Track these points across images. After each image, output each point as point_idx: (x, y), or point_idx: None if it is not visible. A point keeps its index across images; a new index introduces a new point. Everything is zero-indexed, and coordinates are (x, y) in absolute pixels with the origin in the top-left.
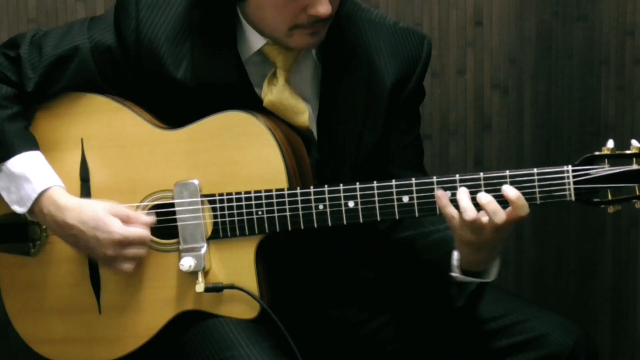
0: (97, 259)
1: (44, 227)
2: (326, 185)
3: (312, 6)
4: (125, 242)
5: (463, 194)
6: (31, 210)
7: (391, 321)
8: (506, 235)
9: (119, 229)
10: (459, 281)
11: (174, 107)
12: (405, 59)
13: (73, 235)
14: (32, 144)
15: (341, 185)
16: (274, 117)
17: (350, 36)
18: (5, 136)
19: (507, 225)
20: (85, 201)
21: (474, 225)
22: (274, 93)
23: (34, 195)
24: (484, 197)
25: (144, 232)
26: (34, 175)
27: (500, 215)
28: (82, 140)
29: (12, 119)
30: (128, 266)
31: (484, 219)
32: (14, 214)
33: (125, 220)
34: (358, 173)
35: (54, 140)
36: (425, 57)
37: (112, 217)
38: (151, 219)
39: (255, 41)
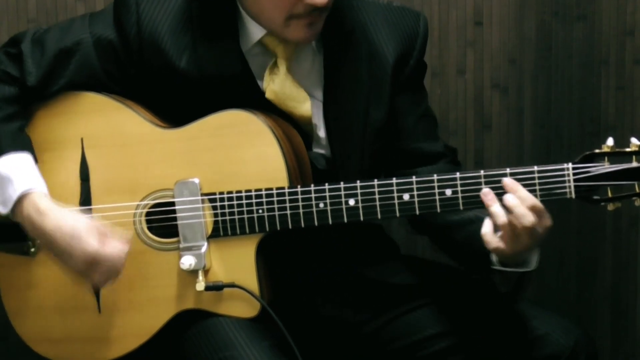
0: (68, 270)
1: None
2: (326, 184)
3: None
4: (96, 261)
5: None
6: (13, 211)
7: (391, 321)
8: (540, 235)
9: (94, 246)
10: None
11: (177, 100)
12: (404, 36)
13: (48, 242)
14: (22, 145)
15: (342, 183)
16: (274, 116)
17: (347, 18)
18: None
19: (536, 229)
20: (68, 211)
21: (507, 229)
22: (276, 83)
23: (15, 197)
24: (511, 200)
25: (117, 254)
26: (17, 177)
27: (529, 218)
28: (82, 139)
29: (6, 120)
30: (100, 281)
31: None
32: None
33: (102, 240)
34: (367, 154)
35: (53, 140)
36: (423, 32)
37: (91, 233)
38: (125, 245)
39: (255, 32)
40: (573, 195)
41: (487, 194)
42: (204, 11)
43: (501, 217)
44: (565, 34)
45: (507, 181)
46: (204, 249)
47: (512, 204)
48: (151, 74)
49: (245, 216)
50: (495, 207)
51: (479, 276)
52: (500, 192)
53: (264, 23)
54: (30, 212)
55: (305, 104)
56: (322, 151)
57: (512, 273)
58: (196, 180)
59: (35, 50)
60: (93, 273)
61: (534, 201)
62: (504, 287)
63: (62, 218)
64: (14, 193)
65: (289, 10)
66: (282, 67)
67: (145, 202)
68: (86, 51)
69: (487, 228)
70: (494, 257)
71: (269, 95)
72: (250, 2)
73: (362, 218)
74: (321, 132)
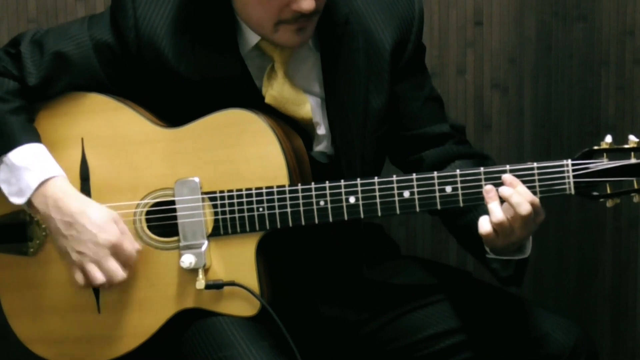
0: (77, 255)
1: (43, 226)
2: (327, 181)
3: (295, 2)
4: (115, 250)
5: (511, 190)
6: (29, 201)
7: (391, 321)
8: (532, 229)
9: (118, 235)
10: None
11: (177, 103)
12: (400, 20)
13: (67, 223)
14: (34, 137)
15: (342, 181)
16: (275, 117)
17: (341, 9)
18: (7, 128)
19: (529, 221)
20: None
21: (501, 227)
22: (275, 88)
23: (35, 185)
24: (506, 190)
25: (134, 250)
26: (36, 166)
27: (525, 206)
28: (82, 139)
29: (15, 112)
30: (113, 267)
31: (509, 216)
32: (13, 214)
33: (122, 233)
34: (369, 143)
35: (54, 140)
36: (418, 15)
37: (116, 223)
38: (138, 246)
39: (251, 37)
40: (572, 191)
41: (489, 191)
42: (201, 14)
43: (497, 214)
44: (565, 34)
45: (507, 177)
46: (204, 247)
47: (508, 194)
48: (151, 76)
49: (246, 214)
50: (493, 205)
51: (482, 265)
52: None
53: (254, 29)
54: (56, 193)
55: (305, 107)
56: (323, 149)
57: (508, 260)
58: (196, 179)
59: (34, 52)
60: (107, 261)
61: (532, 196)
62: (504, 272)
63: (89, 202)
64: (32, 182)
65: (277, 17)
66: (279, 72)
67: (145, 201)
68: (86, 54)
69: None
70: (487, 248)
71: (268, 100)
72: (239, 9)
73: (362, 215)
74: (322, 130)
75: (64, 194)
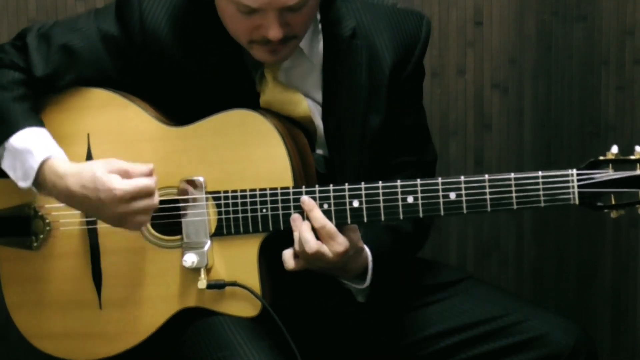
0: (109, 222)
1: (47, 220)
2: (331, 185)
3: (263, 28)
4: (129, 197)
5: (305, 226)
6: (36, 183)
7: (392, 321)
8: (333, 260)
9: (120, 185)
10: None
11: (180, 98)
12: (405, 40)
13: (79, 202)
14: (36, 121)
15: (346, 184)
16: (281, 117)
17: (349, 19)
18: (9, 115)
19: (323, 253)
20: (84, 164)
21: (304, 256)
22: (267, 93)
23: (36, 166)
24: (303, 224)
25: (146, 182)
26: (36, 147)
27: (311, 244)
28: (88, 135)
29: (18, 100)
30: (141, 219)
31: (323, 248)
32: (17, 207)
33: (124, 175)
34: (365, 160)
35: (60, 135)
36: (424, 37)
37: (110, 174)
38: (150, 166)
39: None
40: (577, 202)
41: (295, 220)
42: (203, 11)
43: (296, 244)
44: (565, 34)
45: (305, 199)
46: (207, 247)
47: (300, 229)
48: (156, 69)
49: (249, 215)
50: (295, 234)
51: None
52: (499, 197)
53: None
54: (52, 179)
55: (302, 105)
56: (324, 153)
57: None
58: (201, 178)
59: (41, 44)
60: (131, 214)
61: (325, 223)
62: (359, 297)
63: (81, 174)
64: (35, 163)
65: (248, 37)
66: (268, 77)
67: None
68: (94, 47)
69: (289, 249)
70: None
71: (263, 105)
72: (220, 18)
73: (365, 220)
74: (323, 134)
75: (58, 177)
